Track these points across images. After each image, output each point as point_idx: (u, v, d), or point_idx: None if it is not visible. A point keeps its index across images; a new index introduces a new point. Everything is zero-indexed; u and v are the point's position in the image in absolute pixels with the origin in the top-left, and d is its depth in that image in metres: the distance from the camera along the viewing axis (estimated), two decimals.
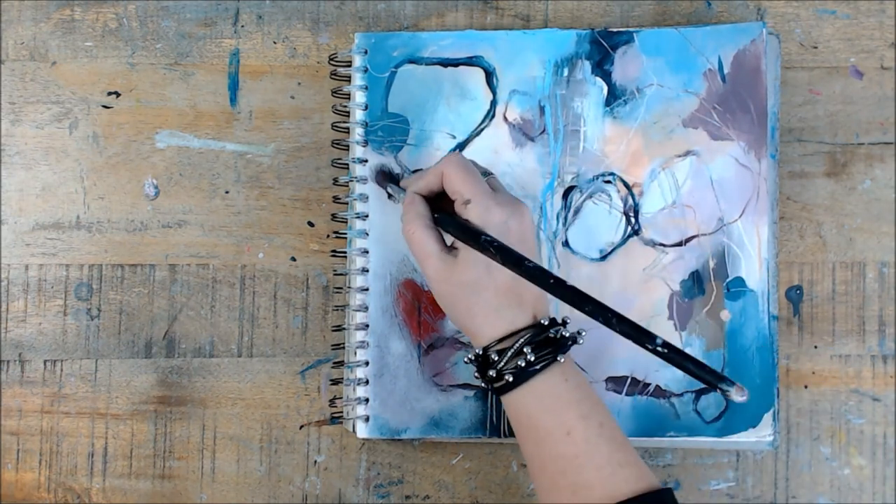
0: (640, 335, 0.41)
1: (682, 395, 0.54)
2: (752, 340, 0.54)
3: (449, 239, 0.49)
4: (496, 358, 0.46)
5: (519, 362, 0.45)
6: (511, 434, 0.54)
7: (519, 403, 0.46)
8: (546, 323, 0.46)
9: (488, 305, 0.46)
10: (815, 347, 0.57)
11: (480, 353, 0.47)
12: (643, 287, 0.54)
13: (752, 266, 0.54)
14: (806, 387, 0.57)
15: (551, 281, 0.43)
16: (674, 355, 0.40)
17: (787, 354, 0.57)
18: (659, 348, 0.40)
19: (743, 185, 0.54)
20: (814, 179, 0.57)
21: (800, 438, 0.57)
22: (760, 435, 0.54)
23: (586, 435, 0.44)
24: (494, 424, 0.54)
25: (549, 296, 0.44)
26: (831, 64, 0.58)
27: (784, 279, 0.57)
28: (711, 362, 0.54)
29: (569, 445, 0.44)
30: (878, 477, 0.57)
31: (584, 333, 0.47)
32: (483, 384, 0.48)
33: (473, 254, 0.46)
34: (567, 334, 0.46)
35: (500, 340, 0.46)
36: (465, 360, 0.48)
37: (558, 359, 0.45)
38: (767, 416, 0.53)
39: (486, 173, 0.51)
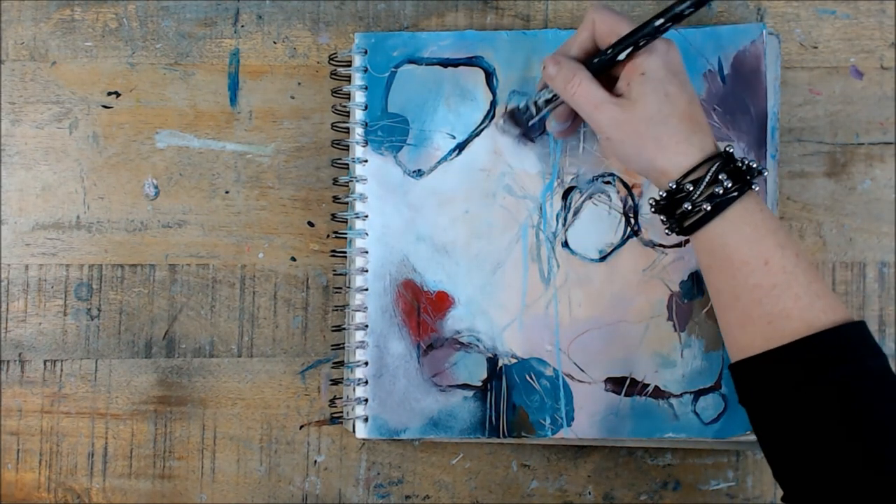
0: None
1: (680, 395, 0.54)
2: None
3: None
4: (691, 188, 0.45)
5: (716, 189, 0.44)
6: (510, 434, 0.54)
7: (714, 234, 0.45)
8: (732, 150, 0.45)
9: (678, 132, 0.45)
10: None
11: (674, 186, 0.45)
12: (642, 288, 0.54)
13: None
14: None
15: None
16: None
17: None
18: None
19: None
20: (814, 179, 0.57)
21: None
22: None
23: (783, 264, 0.44)
24: (493, 424, 0.54)
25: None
26: (831, 64, 0.57)
27: None
28: (710, 363, 0.54)
29: (766, 275, 0.44)
30: None
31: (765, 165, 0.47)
32: (669, 228, 0.47)
33: (648, 85, 0.46)
34: (754, 164, 0.45)
35: (693, 171, 0.45)
36: (651, 201, 0.47)
37: (753, 186, 0.45)
38: None
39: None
